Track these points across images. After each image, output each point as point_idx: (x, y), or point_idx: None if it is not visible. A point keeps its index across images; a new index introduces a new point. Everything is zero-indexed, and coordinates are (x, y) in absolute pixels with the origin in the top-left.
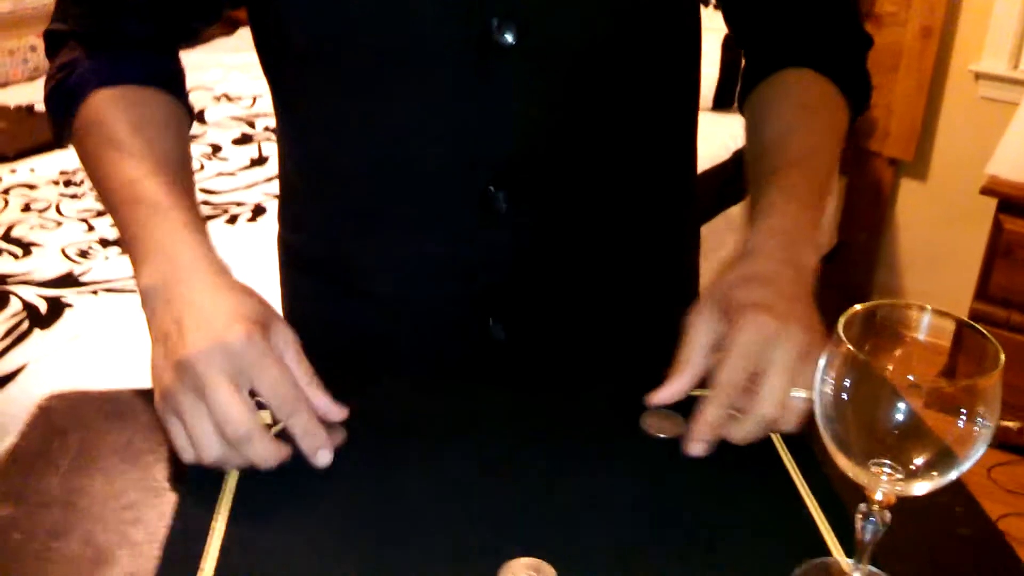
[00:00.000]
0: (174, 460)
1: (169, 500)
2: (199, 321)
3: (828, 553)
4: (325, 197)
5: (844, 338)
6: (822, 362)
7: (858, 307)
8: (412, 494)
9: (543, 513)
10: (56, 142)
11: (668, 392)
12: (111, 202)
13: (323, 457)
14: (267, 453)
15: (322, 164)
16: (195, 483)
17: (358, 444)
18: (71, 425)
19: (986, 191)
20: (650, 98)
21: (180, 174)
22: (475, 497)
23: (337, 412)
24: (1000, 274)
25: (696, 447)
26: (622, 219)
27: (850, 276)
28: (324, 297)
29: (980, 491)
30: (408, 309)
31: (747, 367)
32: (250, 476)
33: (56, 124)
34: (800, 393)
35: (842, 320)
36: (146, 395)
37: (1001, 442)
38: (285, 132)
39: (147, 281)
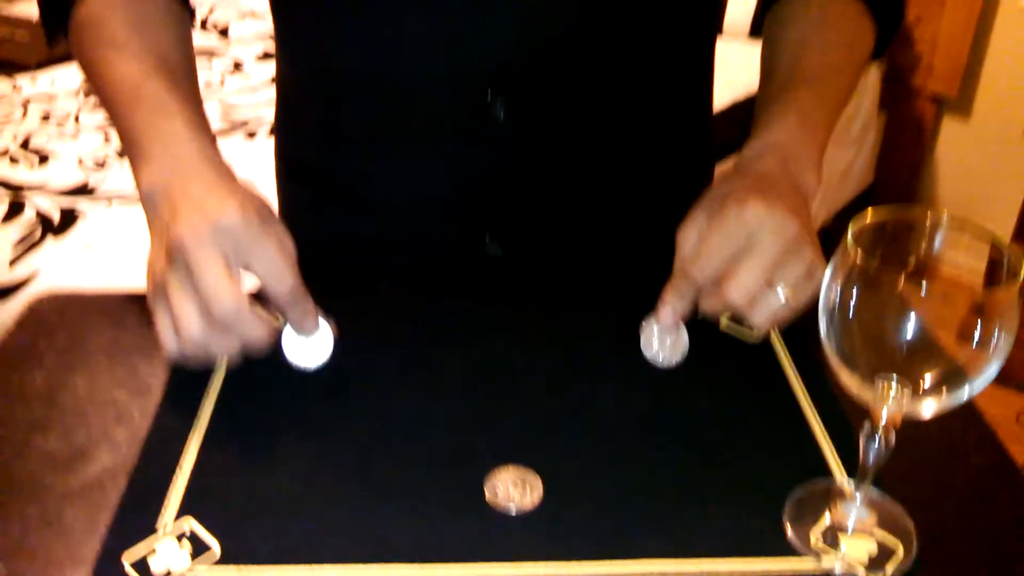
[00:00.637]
0: (160, 361)
1: (153, 400)
2: (195, 206)
3: (830, 475)
4: (322, 107)
5: (853, 245)
6: (828, 270)
7: (869, 214)
8: (401, 403)
9: (534, 425)
10: (48, 40)
11: (665, 312)
12: (111, 104)
13: (311, 330)
14: (254, 333)
15: (319, 74)
16: (180, 383)
17: (349, 353)
18: (59, 324)
19: None
20: (660, 15)
21: (181, 73)
22: (465, 408)
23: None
24: None
25: (663, 316)
26: (626, 140)
27: None
28: (320, 208)
29: (1008, 436)
30: (404, 222)
31: (722, 250)
32: (235, 379)
33: (49, 24)
34: (779, 292)
35: (852, 227)
36: (136, 298)
37: None
38: (283, 41)
39: (148, 182)
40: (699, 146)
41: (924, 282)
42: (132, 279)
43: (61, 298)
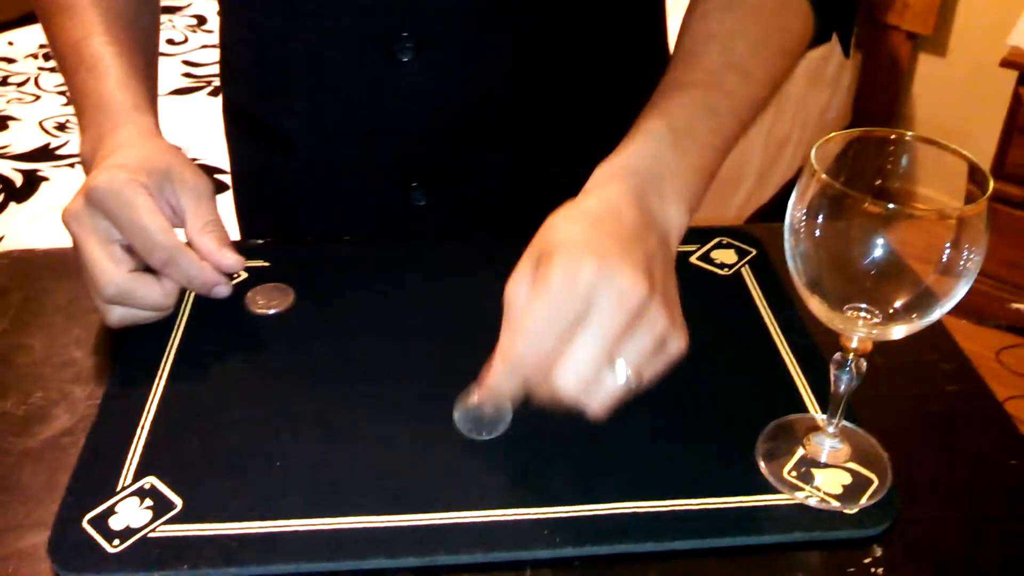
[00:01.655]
0: None
1: (111, 359)
2: (92, 172)
3: (803, 409)
4: (254, 57)
5: (817, 167)
6: (793, 197)
7: (833, 135)
8: (361, 350)
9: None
10: None
11: (485, 396)
12: (62, 68)
13: (221, 291)
14: (152, 296)
15: (248, 24)
16: (138, 342)
17: (306, 303)
18: (14, 283)
19: (1007, 63)
20: None
21: (129, 29)
22: (427, 352)
23: (232, 260)
24: (1017, 151)
25: (481, 401)
26: (555, 81)
27: None
28: (261, 155)
29: (988, 373)
30: (334, 171)
31: (547, 328)
32: (193, 335)
33: None
34: (620, 371)
35: (815, 148)
36: None
37: (1010, 325)
38: None
39: (82, 151)
40: (644, 90)
41: (891, 204)
42: None
43: (16, 256)
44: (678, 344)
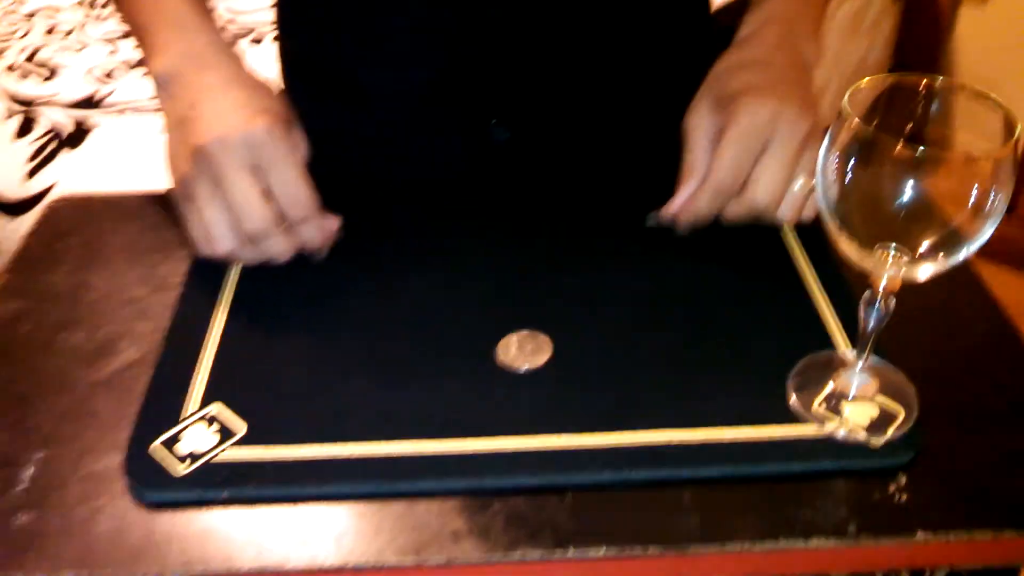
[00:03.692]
0: (178, 258)
1: (173, 296)
2: (218, 109)
3: (834, 346)
4: (325, 6)
5: (850, 111)
6: (826, 141)
7: (866, 80)
8: (412, 286)
9: (543, 304)
10: None
11: (679, 200)
12: (120, 3)
13: (321, 255)
14: (281, 248)
15: None
16: (198, 279)
17: (364, 241)
18: (77, 226)
19: None
20: None
21: None
22: (474, 288)
23: (332, 223)
24: None
25: (684, 224)
26: (626, 19)
27: None
28: (324, 106)
29: None
30: (407, 111)
31: (743, 156)
32: (250, 271)
33: None
34: (799, 182)
35: (849, 93)
36: (152, 199)
37: None
38: None
39: (160, 66)
40: (703, 26)
41: (920, 147)
42: (151, 184)
43: (76, 201)
44: (819, 138)
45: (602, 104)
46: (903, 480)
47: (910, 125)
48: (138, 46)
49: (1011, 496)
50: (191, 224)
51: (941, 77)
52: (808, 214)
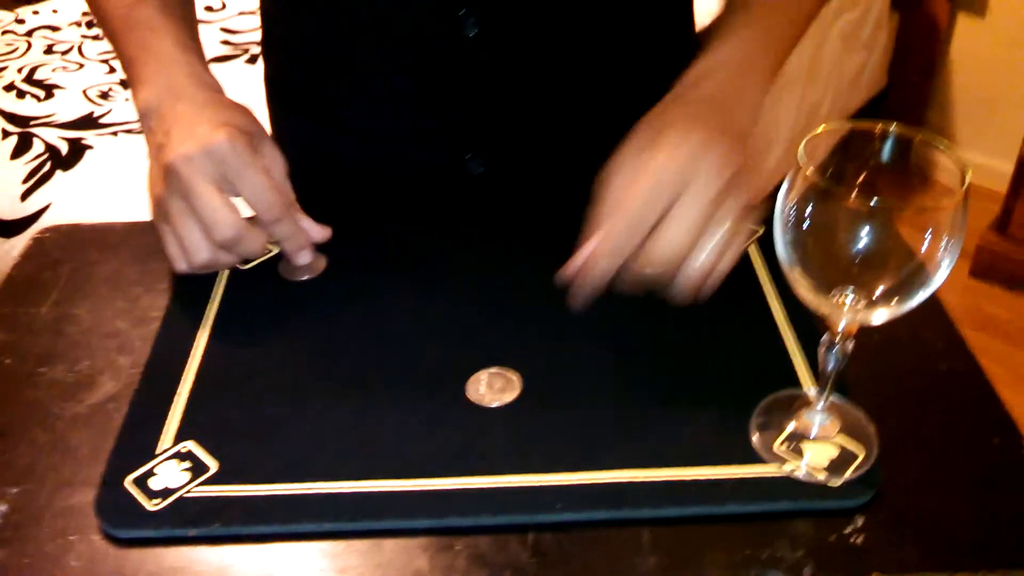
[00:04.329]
0: (160, 290)
1: (153, 329)
2: (186, 130)
3: (800, 384)
4: (300, 30)
5: (806, 160)
6: (784, 186)
7: (821, 128)
8: (391, 321)
9: (514, 336)
10: None
11: (588, 271)
12: (109, 31)
13: (305, 257)
14: (256, 246)
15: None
16: (178, 312)
17: (339, 273)
18: (64, 256)
19: None
20: None
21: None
22: (451, 325)
23: (319, 231)
24: None
25: (578, 299)
26: (604, 52)
27: (900, 120)
28: (307, 131)
29: (1021, 337)
30: (386, 142)
31: (653, 200)
32: (229, 307)
33: None
34: (719, 232)
35: (804, 142)
36: (137, 227)
37: None
38: None
39: (143, 99)
40: (683, 59)
41: (874, 198)
42: (143, 208)
43: (64, 230)
44: (753, 217)
45: (579, 138)
46: (860, 521)
47: (865, 173)
48: (126, 77)
49: (968, 536)
50: (167, 242)
51: (895, 124)
52: (710, 286)
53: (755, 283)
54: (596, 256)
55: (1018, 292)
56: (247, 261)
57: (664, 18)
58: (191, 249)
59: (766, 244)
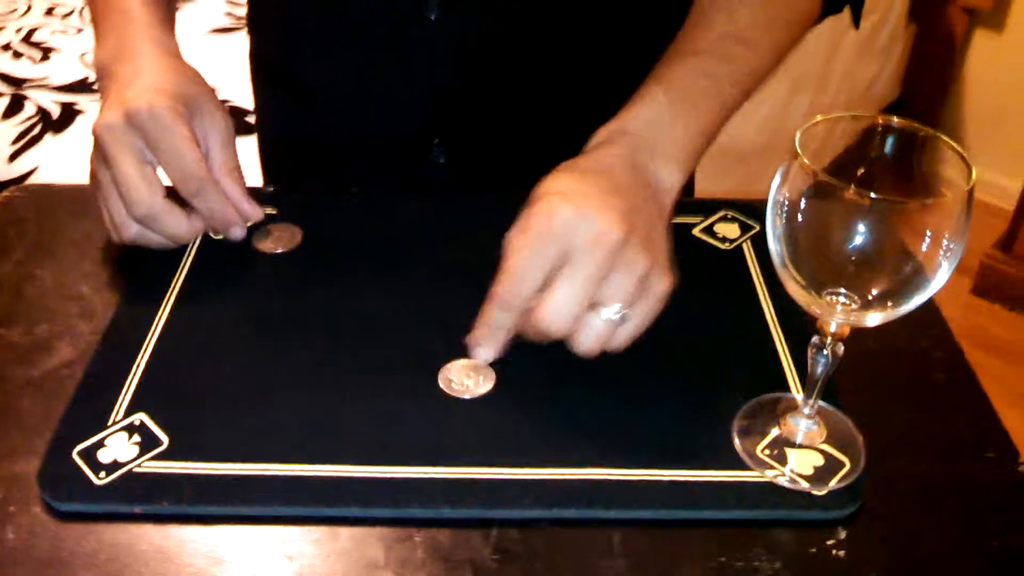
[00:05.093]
0: (129, 256)
1: (118, 295)
2: (116, 94)
3: (787, 387)
4: (281, 9)
5: (800, 152)
6: (777, 179)
7: (819, 119)
8: (359, 303)
9: None
10: None
11: (479, 353)
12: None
13: (236, 232)
14: (177, 229)
15: None
16: (144, 280)
17: (314, 248)
18: (32, 216)
19: None
20: None
21: None
22: (423, 309)
23: (251, 209)
24: None
25: (479, 354)
26: (568, 49)
27: None
28: (286, 107)
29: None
30: (355, 124)
31: (527, 267)
32: (197, 277)
33: None
34: (604, 313)
35: (800, 132)
36: None
37: None
38: None
39: (98, 58)
40: (649, 53)
41: (872, 193)
42: None
43: (35, 190)
44: (661, 283)
45: (541, 131)
46: (842, 534)
47: (864, 167)
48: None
49: (955, 556)
50: (103, 213)
51: (895, 117)
52: (616, 345)
53: (747, 283)
54: (487, 314)
55: (1020, 312)
56: (217, 231)
57: (630, 13)
58: (118, 224)
59: (760, 243)
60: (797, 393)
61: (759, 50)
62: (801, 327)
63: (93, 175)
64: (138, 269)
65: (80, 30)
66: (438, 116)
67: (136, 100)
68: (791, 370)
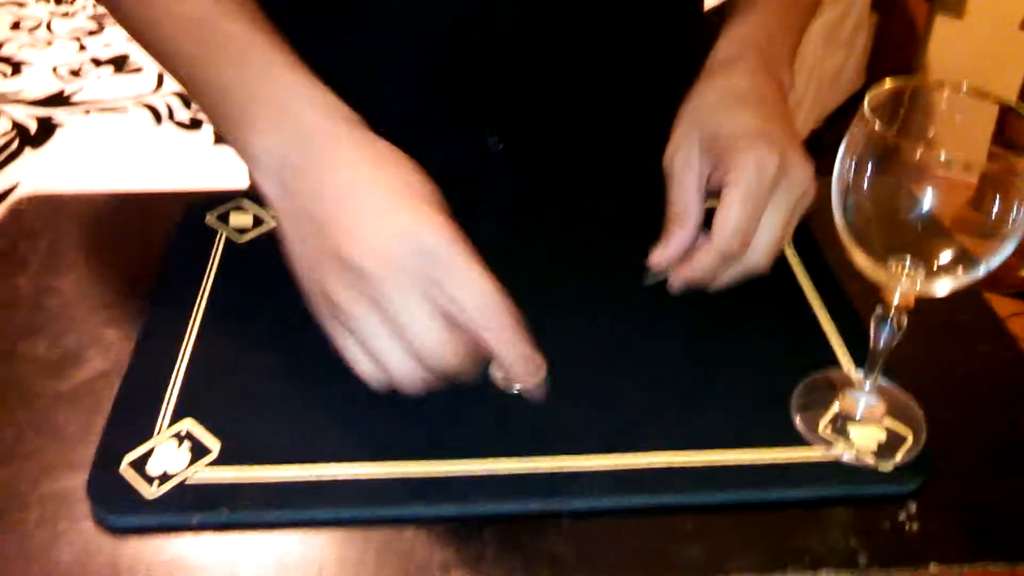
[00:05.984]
0: (150, 260)
1: (144, 302)
2: (362, 207)
3: (838, 365)
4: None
5: (871, 114)
6: (843, 145)
7: (887, 83)
8: None
9: (543, 320)
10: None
11: (669, 251)
12: (170, 48)
13: (539, 391)
14: (469, 376)
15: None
16: (171, 284)
17: None
18: (42, 227)
19: None
20: None
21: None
22: None
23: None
24: None
25: (677, 286)
26: (621, 30)
27: None
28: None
29: None
30: (403, 111)
31: (752, 216)
32: (228, 277)
33: None
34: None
35: (869, 96)
36: (119, 198)
37: (1018, 292)
38: None
39: (262, 143)
40: (695, 30)
41: (942, 154)
42: (114, 185)
43: (41, 200)
44: (813, 189)
45: (593, 112)
46: (913, 508)
47: (932, 130)
48: (205, 104)
49: (1022, 524)
50: (353, 355)
51: (966, 81)
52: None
53: (785, 263)
54: (700, 260)
55: (993, 294)
56: (243, 232)
57: (675, 19)
58: (393, 370)
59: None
60: (850, 367)
61: None
62: (845, 301)
63: (337, 310)
64: (162, 275)
65: (50, 43)
66: (492, 104)
67: (415, 226)
68: (841, 344)
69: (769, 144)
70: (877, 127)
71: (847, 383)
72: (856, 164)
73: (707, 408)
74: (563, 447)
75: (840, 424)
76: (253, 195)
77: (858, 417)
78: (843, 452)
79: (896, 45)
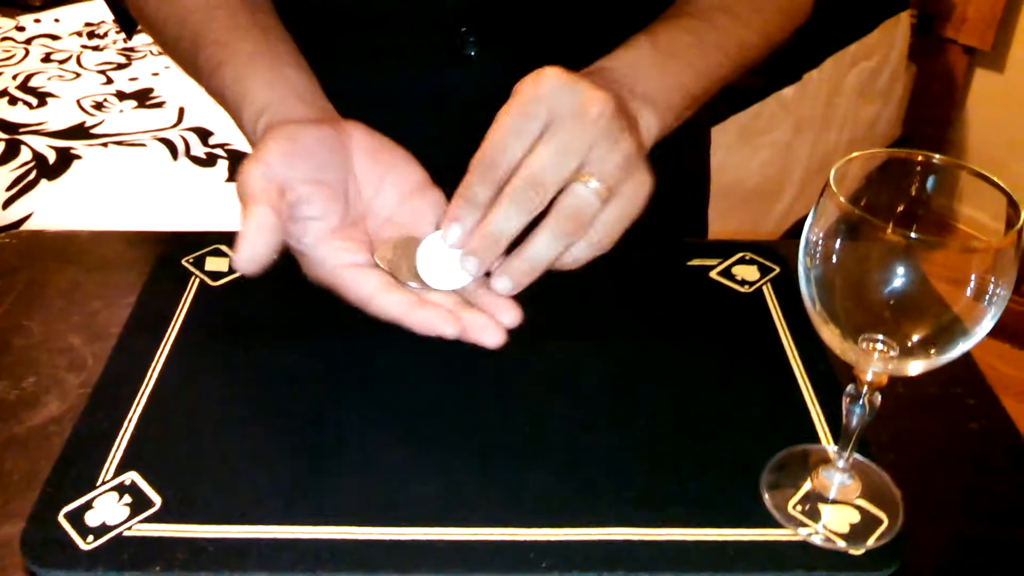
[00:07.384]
0: (121, 306)
1: (108, 347)
2: None
3: (817, 440)
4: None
5: (836, 190)
6: (809, 219)
7: (855, 155)
8: (359, 360)
9: (503, 384)
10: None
11: (452, 231)
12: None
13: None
14: None
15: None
16: (137, 331)
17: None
18: (21, 264)
19: None
20: None
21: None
22: (424, 369)
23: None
24: None
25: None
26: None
27: None
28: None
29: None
30: (379, 14)
31: (513, 135)
32: (191, 329)
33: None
34: (596, 183)
35: (835, 169)
36: (102, 237)
37: None
38: None
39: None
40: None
41: (913, 231)
42: (126, 222)
43: (25, 236)
44: (645, 176)
45: (577, 25)
46: None
47: (903, 206)
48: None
49: None
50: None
51: (937, 156)
52: (599, 238)
53: (770, 328)
54: (469, 182)
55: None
56: (217, 278)
57: None
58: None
59: (781, 286)
60: (827, 444)
61: (747, 23)
62: (829, 374)
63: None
64: (130, 319)
65: (78, 75)
66: (470, 5)
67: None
68: (820, 419)
69: (558, 72)
70: (842, 201)
71: (822, 460)
72: (822, 237)
73: (673, 482)
74: (517, 517)
75: (811, 503)
76: (232, 239)
77: (831, 497)
78: (812, 533)
79: (935, 97)
